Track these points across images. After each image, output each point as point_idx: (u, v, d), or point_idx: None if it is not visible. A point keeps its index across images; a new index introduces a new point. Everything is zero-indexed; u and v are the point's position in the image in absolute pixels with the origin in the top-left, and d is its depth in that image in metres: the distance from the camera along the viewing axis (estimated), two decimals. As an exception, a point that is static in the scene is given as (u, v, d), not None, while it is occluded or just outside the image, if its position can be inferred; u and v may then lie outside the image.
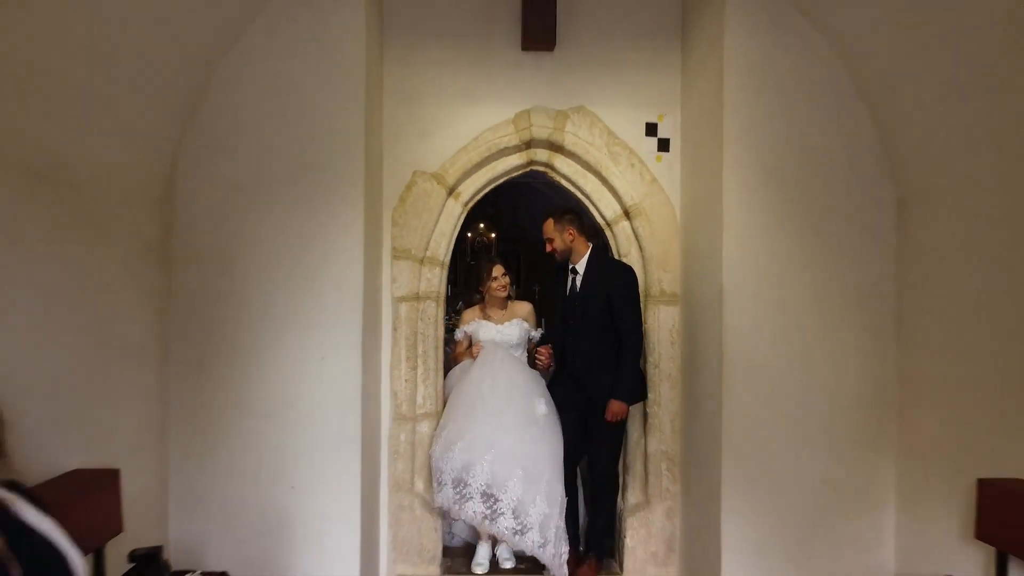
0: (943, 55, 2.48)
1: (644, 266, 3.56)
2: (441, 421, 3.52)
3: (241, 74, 2.93)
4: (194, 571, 2.33)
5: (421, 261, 3.51)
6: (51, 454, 2.09)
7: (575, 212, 3.56)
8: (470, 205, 3.64)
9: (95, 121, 2.26)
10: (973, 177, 2.54)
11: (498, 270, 3.74)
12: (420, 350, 3.52)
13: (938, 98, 2.60)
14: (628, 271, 3.48)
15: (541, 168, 3.65)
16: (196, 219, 2.91)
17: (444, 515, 3.56)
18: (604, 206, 3.60)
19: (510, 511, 3.25)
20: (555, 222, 3.50)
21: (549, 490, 3.30)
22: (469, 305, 4.25)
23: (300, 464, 2.92)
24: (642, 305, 3.52)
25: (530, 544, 3.24)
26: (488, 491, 3.28)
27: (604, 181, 3.55)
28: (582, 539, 3.66)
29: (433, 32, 3.46)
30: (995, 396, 2.41)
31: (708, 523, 3.12)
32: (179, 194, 2.89)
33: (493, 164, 3.57)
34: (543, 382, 3.64)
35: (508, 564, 3.58)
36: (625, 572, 3.51)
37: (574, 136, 3.50)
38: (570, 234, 3.49)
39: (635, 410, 3.56)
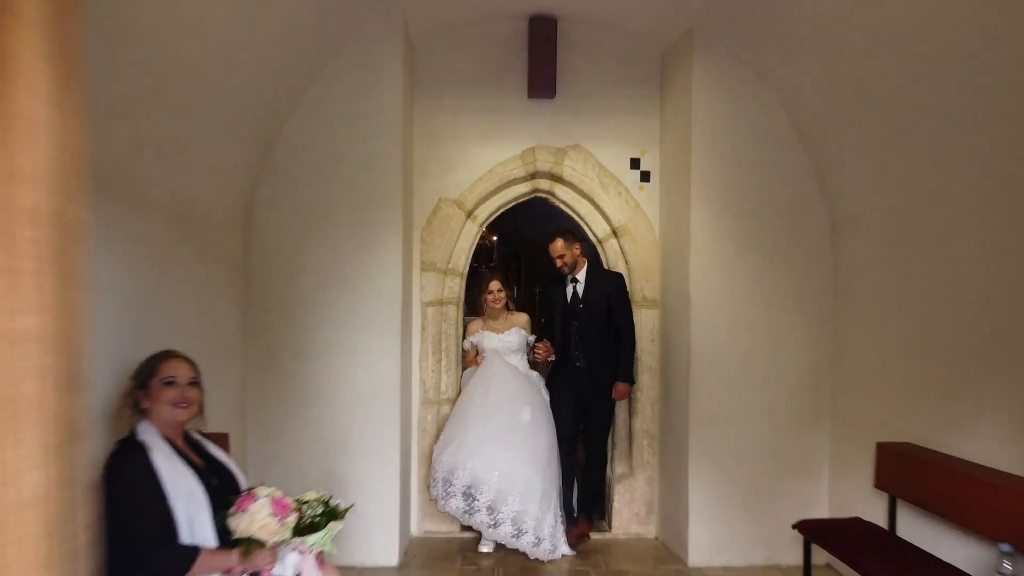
0: (867, 110, 3.14)
1: (630, 276, 4.23)
2: (445, 424, 4.03)
3: (303, 125, 3.62)
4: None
5: (444, 272, 4.22)
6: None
7: (574, 231, 4.24)
8: (484, 225, 4.34)
9: (202, 171, 2.97)
10: (888, 208, 3.23)
11: (495, 285, 4.12)
12: (443, 346, 4.22)
13: (863, 144, 3.28)
14: (621, 278, 4.12)
15: (544, 195, 4.34)
16: (268, 241, 3.61)
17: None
18: (596, 226, 4.30)
19: (509, 521, 3.67)
20: (564, 241, 4.05)
21: (527, 490, 3.67)
22: (471, 309, 4.62)
23: (352, 437, 3.61)
24: (630, 308, 4.19)
25: (526, 544, 3.70)
26: (469, 491, 3.69)
27: (596, 206, 4.25)
28: (576, 506, 4.32)
29: (454, 84, 4.14)
30: (901, 381, 3.13)
31: (679, 487, 3.83)
32: (255, 222, 3.60)
33: (504, 192, 4.26)
34: (539, 383, 4.10)
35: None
36: (613, 529, 4.22)
37: (571, 168, 4.20)
38: (577, 248, 4.11)
39: (622, 396, 4.25)
